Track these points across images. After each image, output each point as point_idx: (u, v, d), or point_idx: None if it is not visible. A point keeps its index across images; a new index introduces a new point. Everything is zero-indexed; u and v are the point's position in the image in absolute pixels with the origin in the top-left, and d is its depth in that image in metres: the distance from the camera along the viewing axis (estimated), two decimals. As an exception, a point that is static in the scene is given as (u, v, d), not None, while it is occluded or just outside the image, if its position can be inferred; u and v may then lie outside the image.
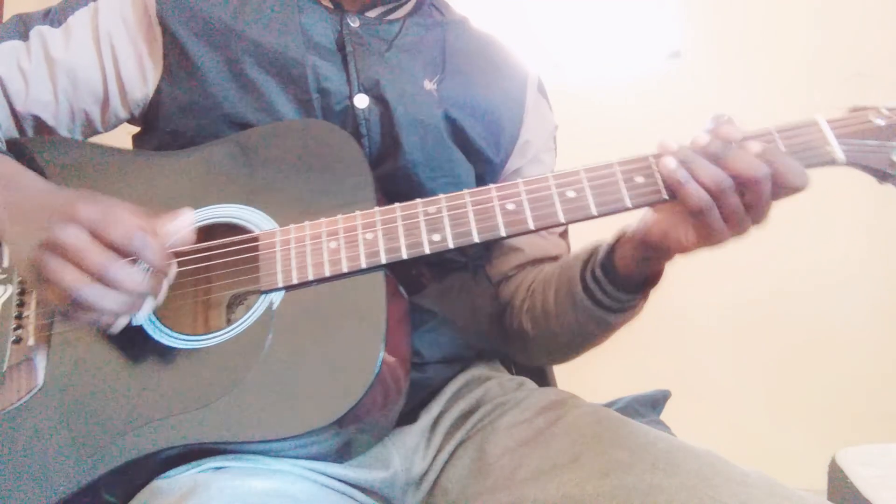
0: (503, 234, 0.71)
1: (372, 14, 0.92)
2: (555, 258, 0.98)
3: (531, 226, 0.70)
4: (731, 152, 0.65)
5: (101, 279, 0.63)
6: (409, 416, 0.83)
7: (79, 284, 0.62)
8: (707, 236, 0.68)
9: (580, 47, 2.10)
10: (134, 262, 0.65)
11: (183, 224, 0.70)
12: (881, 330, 1.93)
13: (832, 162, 0.68)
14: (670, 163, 0.66)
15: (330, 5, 0.90)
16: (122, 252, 0.64)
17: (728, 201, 0.65)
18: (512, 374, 0.97)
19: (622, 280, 0.78)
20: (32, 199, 0.69)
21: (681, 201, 0.67)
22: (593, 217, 0.70)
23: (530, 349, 0.96)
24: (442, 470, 0.82)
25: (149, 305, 0.68)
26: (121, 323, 0.67)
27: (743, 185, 0.65)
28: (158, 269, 0.67)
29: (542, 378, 1.08)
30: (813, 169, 0.68)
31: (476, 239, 0.71)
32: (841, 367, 1.93)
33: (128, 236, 0.64)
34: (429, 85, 0.89)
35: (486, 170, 0.93)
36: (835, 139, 0.68)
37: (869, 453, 1.24)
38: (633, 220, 0.77)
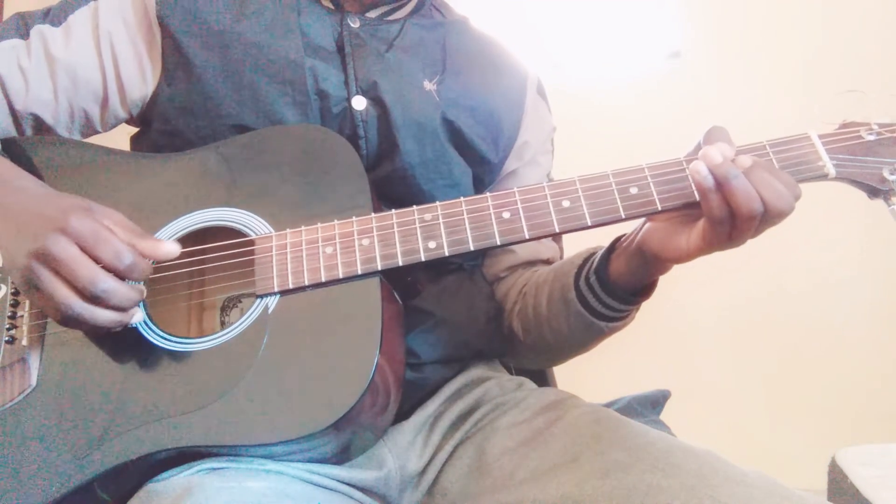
0: (498, 242, 0.71)
1: (372, 14, 0.91)
2: (547, 261, 0.98)
3: (526, 235, 0.71)
4: (778, 176, 0.65)
5: (90, 296, 0.64)
6: (402, 415, 0.83)
7: (70, 301, 0.64)
8: (709, 246, 0.69)
9: (580, 47, 2.10)
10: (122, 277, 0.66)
11: (164, 254, 0.71)
12: (881, 330, 1.93)
13: (824, 177, 0.69)
14: (701, 168, 0.66)
15: (331, 6, 0.90)
16: (111, 271, 0.66)
17: (748, 224, 0.65)
18: (511, 374, 0.97)
19: (616, 289, 0.79)
20: (25, 203, 0.69)
21: (704, 207, 0.67)
22: (588, 227, 0.71)
23: (520, 352, 0.97)
24: (441, 470, 0.81)
25: (139, 316, 0.69)
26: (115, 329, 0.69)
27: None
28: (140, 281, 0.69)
29: (542, 378, 1.08)
30: (803, 184, 0.68)
31: (471, 247, 0.71)
32: (841, 367, 1.93)
33: (118, 257, 0.65)
34: (429, 85, 0.89)
35: (483, 171, 0.93)
36: (826, 154, 0.69)
37: (869, 453, 1.24)
38: (629, 228, 0.77)
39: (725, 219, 0.66)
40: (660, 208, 0.69)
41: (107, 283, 0.65)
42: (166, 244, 0.71)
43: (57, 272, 0.64)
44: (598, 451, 0.70)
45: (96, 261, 0.65)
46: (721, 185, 0.65)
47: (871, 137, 0.70)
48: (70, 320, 0.66)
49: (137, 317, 0.69)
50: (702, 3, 2.04)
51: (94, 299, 0.65)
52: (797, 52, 1.96)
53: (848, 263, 1.93)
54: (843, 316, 1.94)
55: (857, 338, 1.93)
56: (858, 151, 0.69)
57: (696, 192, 0.68)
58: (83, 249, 0.65)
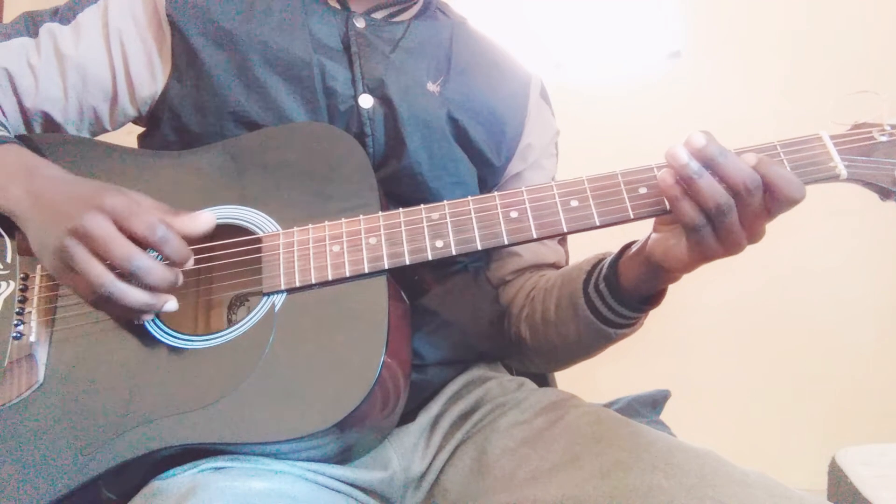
0: (506, 241, 0.71)
1: (378, 16, 0.92)
2: (553, 265, 0.98)
3: (534, 234, 0.71)
4: (727, 159, 0.64)
5: (124, 272, 0.64)
6: (407, 416, 0.83)
7: (104, 279, 0.64)
8: (700, 254, 0.67)
9: (581, 47, 2.10)
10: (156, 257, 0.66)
11: (202, 224, 0.70)
12: (881, 330, 1.93)
13: (835, 178, 0.68)
14: (667, 178, 0.65)
15: (337, 6, 0.91)
16: (144, 244, 0.66)
17: (725, 220, 0.64)
18: (512, 374, 0.97)
19: (625, 296, 0.78)
20: (55, 188, 0.69)
21: (675, 216, 0.66)
22: (596, 227, 0.70)
23: (527, 356, 0.97)
24: (442, 470, 0.82)
25: (171, 305, 0.69)
26: (144, 317, 0.69)
27: (734, 196, 0.64)
28: (178, 264, 0.68)
29: (543, 379, 1.08)
30: (814, 185, 0.67)
31: (479, 246, 0.71)
32: (841, 367, 1.93)
33: (151, 229, 0.65)
34: (432, 87, 0.89)
35: (486, 173, 0.94)
36: (838, 155, 0.68)
37: (869, 453, 1.24)
38: (636, 229, 0.77)
39: (700, 224, 0.64)
40: (668, 208, 0.68)
41: (141, 261, 0.65)
42: (202, 215, 0.71)
43: (92, 249, 0.64)
44: (599, 452, 0.70)
45: (130, 236, 0.65)
46: (687, 188, 0.64)
47: (884, 139, 0.69)
48: (102, 300, 0.66)
49: (171, 304, 0.69)
50: (702, 3, 2.04)
51: (128, 277, 0.65)
52: (798, 51, 1.96)
53: (848, 264, 1.93)
54: (843, 316, 1.94)
55: (858, 338, 1.93)
56: (871, 152, 0.68)
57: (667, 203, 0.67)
58: (118, 224, 0.65)
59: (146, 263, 0.65)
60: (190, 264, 0.70)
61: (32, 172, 0.72)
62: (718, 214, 0.64)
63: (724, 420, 1.94)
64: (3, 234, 0.76)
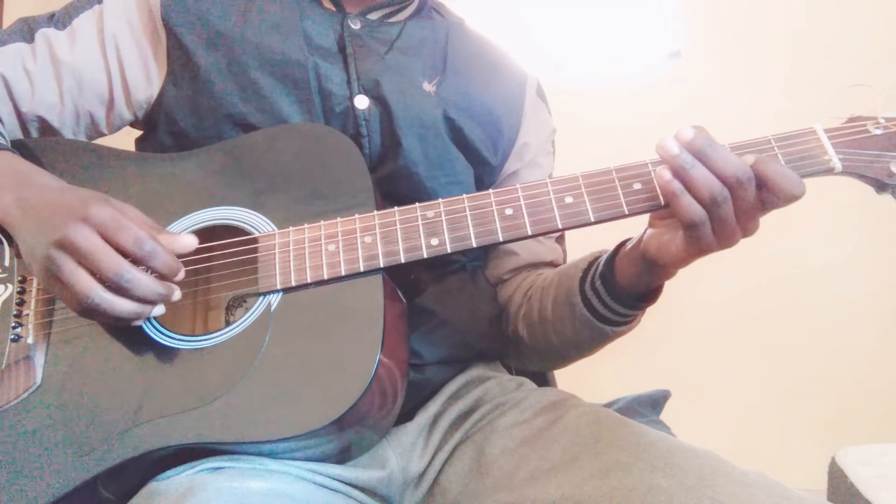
0: (501, 238, 0.71)
1: (373, 16, 0.92)
2: (550, 263, 0.98)
3: (529, 231, 0.71)
4: (717, 151, 0.64)
5: (111, 285, 0.64)
6: (406, 416, 0.83)
7: (91, 292, 0.64)
8: (695, 248, 0.67)
9: (581, 47, 2.10)
10: (144, 268, 0.66)
11: (183, 247, 0.70)
12: (881, 330, 1.93)
13: (829, 171, 0.68)
14: (665, 174, 0.65)
15: (332, 7, 0.91)
16: (131, 257, 0.65)
17: (720, 212, 0.64)
18: (511, 374, 0.97)
19: (621, 293, 0.78)
20: (45, 196, 0.69)
21: (674, 212, 0.66)
22: (591, 224, 0.70)
23: (525, 354, 0.97)
24: (441, 470, 0.82)
25: (158, 310, 0.69)
26: (135, 323, 0.69)
27: (727, 188, 0.64)
28: (167, 277, 0.68)
29: (542, 378, 1.08)
30: (809, 178, 0.67)
31: (474, 244, 0.71)
32: (841, 366, 1.93)
33: (138, 243, 0.65)
34: (428, 87, 0.90)
35: (483, 171, 0.94)
36: (832, 148, 0.68)
37: (869, 453, 1.24)
38: (634, 231, 0.77)
39: (699, 220, 0.65)
40: (663, 203, 0.68)
41: (131, 274, 0.65)
42: (183, 237, 0.71)
43: (79, 262, 0.64)
44: (598, 452, 0.70)
45: (116, 248, 0.65)
46: (681, 180, 0.64)
47: (878, 131, 0.69)
48: (89, 311, 0.66)
49: (159, 309, 0.69)
50: (702, 3, 2.04)
51: (117, 289, 0.65)
52: (798, 51, 1.96)
53: (849, 263, 1.93)
54: (843, 316, 1.94)
55: (858, 338, 1.93)
56: (865, 145, 0.68)
57: (662, 198, 0.67)
58: (104, 238, 0.65)
59: (135, 276, 0.65)
60: (180, 276, 0.70)
61: (23, 180, 0.72)
62: (714, 205, 0.64)
63: (724, 420, 1.93)
64: (2, 238, 0.76)
